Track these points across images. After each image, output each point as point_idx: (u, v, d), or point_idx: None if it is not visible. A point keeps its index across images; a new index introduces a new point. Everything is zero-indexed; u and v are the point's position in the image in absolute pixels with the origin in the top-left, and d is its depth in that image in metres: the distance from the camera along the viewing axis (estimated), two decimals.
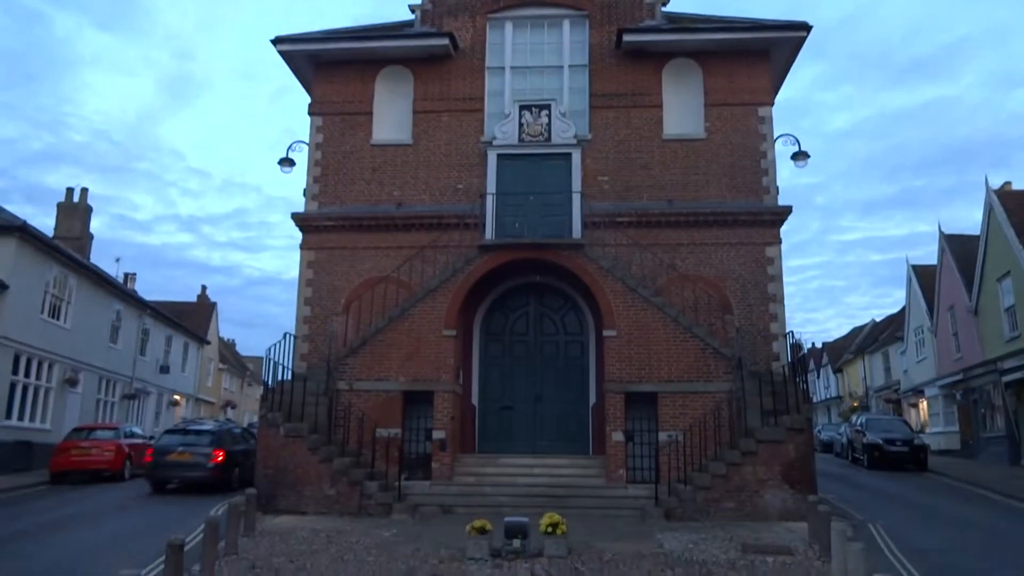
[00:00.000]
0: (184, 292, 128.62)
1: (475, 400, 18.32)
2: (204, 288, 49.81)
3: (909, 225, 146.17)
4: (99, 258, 61.86)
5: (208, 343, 44.84)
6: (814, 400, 51.29)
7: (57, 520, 14.35)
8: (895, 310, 43.85)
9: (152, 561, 9.95)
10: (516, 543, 11.00)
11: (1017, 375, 24.51)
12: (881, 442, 25.13)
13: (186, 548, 8.88)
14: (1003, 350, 25.54)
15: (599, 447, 17.15)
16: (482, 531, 10.97)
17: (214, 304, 47.92)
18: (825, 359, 57.91)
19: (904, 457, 24.84)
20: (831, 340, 60.18)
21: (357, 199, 19.56)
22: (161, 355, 36.11)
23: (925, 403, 37.15)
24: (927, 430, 35.17)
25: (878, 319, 50.24)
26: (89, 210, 31.07)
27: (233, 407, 53.14)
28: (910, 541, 12.30)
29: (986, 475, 21.95)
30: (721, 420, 15.93)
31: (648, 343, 16.64)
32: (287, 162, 19.43)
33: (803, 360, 18.02)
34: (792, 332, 17.59)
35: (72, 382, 25.86)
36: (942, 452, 31.91)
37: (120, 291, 31.51)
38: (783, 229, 18.71)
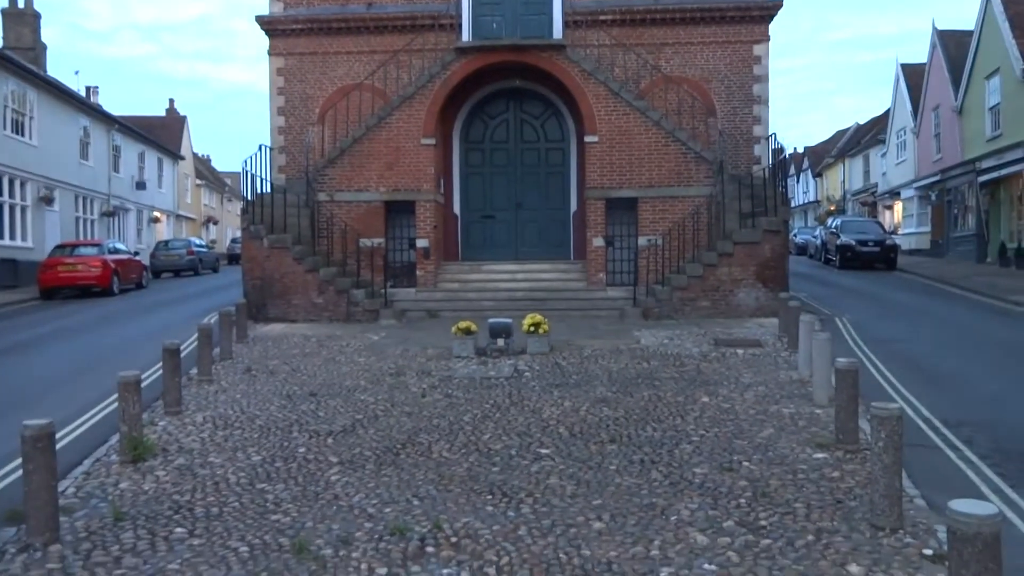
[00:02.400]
0: (151, 106, 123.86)
1: (457, 209, 18.37)
2: (172, 102, 47.80)
3: (902, 22, 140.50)
4: (56, 71, 58.81)
5: (182, 158, 43.86)
6: (792, 204, 51.88)
7: (54, 331, 14.76)
8: (880, 112, 43.26)
9: (151, 366, 10.35)
10: (500, 342, 11.51)
11: (993, 175, 24.72)
12: (853, 243, 25.77)
13: (182, 354, 9.23)
14: (982, 150, 25.56)
15: (580, 252, 17.51)
16: (467, 332, 11.43)
17: (184, 118, 46.28)
18: (806, 163, 57.90)
19: (875, 257, 25.60)
20: (813, 144, 59.84)
21: None
22: (135, 171, 35.40)
23: (900, 205, 37.75)
24: (899, 231, 36.02)
25: (862, 122, 49.65)
26: (37, 16, 28.99)
27: (215, 223, 53.05)
28: (873, 332, 13.00)
29: (952, 272, 22.80)
30: (700, 223, 16.17)
31: (630, 148, 16.47)
32: None
33: (784, 163, 17.98)
34: (775, 134, 17.43)
35: (48, 200, 25.49)
36: (912, 252, 32.90)
37: (85, 105, 30.23)
38: (772, 27, 17.95)
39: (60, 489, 5.58)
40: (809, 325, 9.25)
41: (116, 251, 22.99)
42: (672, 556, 4.60)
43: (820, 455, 6.45)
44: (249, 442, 7.20)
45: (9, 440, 7.13)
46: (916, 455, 6.46)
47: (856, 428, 6.61)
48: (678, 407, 8.17)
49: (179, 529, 5.19)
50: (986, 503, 3.20)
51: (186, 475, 6.31)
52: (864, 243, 25.75)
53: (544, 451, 6.71)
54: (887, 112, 38.87)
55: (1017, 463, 6.28)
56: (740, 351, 11.52)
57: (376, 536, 4.98)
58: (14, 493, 5.84)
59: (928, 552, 4.55)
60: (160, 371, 9.16)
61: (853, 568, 4.38)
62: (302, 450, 6.90)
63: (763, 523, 5.06)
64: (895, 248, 26.36)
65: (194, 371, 10.25)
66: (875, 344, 11.89)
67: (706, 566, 4.46)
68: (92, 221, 30.00)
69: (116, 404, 8.03)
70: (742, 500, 5.47)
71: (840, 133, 54.28)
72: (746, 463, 6.29)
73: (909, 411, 7.95)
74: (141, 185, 35.52)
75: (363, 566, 4.55)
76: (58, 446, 5.83)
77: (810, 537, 4.81)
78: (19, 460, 6.26)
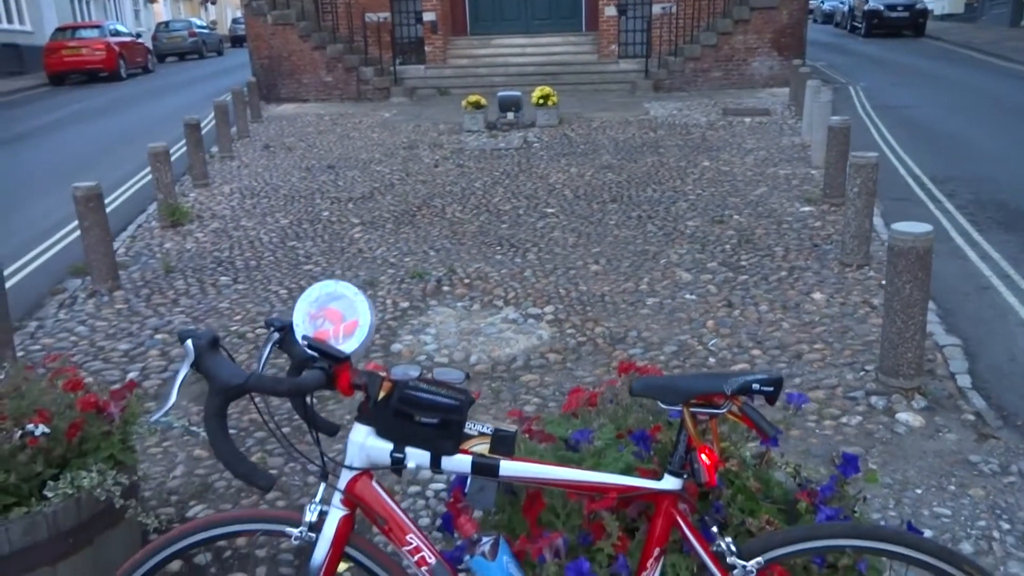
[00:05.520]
0: None
1: None
2: None
3: None
4: None
5: None
6: None
7: (72, 115, 15.01)
8: None
9: (175, 144, 10.69)
10: (510, 115, 11.68)
11: None
12: (882, 7, 24.52)
13: (202, 131, 9.55)
14: None
15: (592, 23, 16.96)
16: (477, 106, 11.57)
17: None
18: None
19: (903, 23, 24.47)
20: None
21: None
22: None
23: None
24: None
25: None
26: None
27: (213, 2, 50.67)
28: (885, 99, 12.96)
29: (981, 38, 21.92)
30: None
31: None
32: None
33: None
34: None
35: None
36: (944, 17, 31.25)
37: None
38: None
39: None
40: (814, 89, 9.30)
41: (118, 33, 22.47)
42: (658, 290, 5.22)
43: (806, 208, 6.91)
44: (276, 208, 7.75)
45: (55, 210, 7.76)
46: (897, 207, 6.90)
47: (843, 183, 6.96)
48: (679, 171, 8.55)
49: (224, 278, 5.87)
50: (923, 224, 3.66)
51: (222, 236, 6.93)
52: (893, 8, 24.49)
53: (549, 210, 7.22)
54: None
55: (990, 211, 6.73)
56: (747, 119, 11.65)
57: (398, 279, 5.63)
58: (71, 253, 6.51)
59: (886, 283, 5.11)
60: (183, 148, 9.56)
61: (816, 295, 4.98)
62: (326, 214, 7.46)
63: (743, 264, 5.63)
64: (925, 13, 25.10)
65: (214, 148, 10.64)
66: (884, 110, 11.93)
67: (687, 296, 5.08)
68: (88, 2, 28.93)
69: (147, 178, 8.57)
70: (727, 246, 6.02)
71: None
72: (736, 216, 6.77)
73: (901, 170, 8.29)
74: None
75: (388, 302, 5.22)
76: None
77: (783, 273, 5.39)
78: (70, 225, 6.91)
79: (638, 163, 9.00)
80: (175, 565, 2.74)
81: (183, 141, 9.55)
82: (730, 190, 7.65)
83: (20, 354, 4.30)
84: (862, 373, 3.95)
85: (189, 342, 1.45)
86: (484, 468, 1.58)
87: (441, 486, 3.14)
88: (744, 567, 1.53)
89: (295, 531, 1.61)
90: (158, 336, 4.85)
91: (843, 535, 1.57)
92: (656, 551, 1.58)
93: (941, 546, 1.57)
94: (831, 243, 5.96)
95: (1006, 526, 2.84)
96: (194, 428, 3.35)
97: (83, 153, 11.21)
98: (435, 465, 1.59)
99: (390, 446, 1.58)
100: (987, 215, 6.62)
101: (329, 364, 1.55)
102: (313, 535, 1.60)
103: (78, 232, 5.93)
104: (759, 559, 1.54)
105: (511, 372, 4.18)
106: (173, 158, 9.82)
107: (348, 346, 1.60)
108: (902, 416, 3.54)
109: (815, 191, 7.35)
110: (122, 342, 4.79)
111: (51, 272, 6.24)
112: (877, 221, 6.16)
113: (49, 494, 2.25)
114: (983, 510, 2.93)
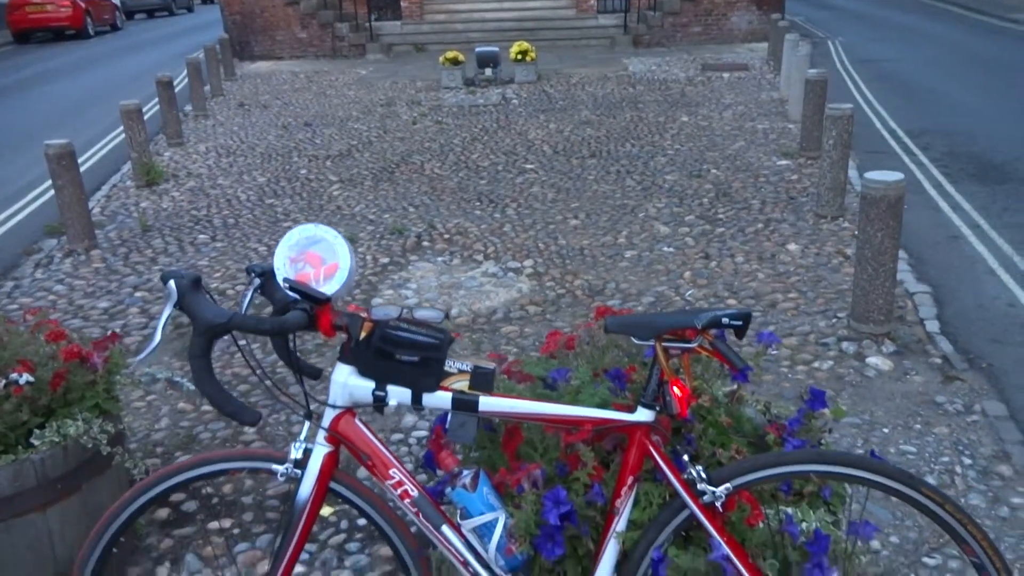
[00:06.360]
0: None
1: None
2: None
3: None
4: None
5: None
6: None
7: (39, 74, 14.64)
8: None
9: (147, 102, 10.50)
10: (488, 72, 11.57)
11: None
12: None
13: (175, 89, 9.38)
14: None
15: None
16: (455, 62, 11.43)
17: None
18: None
19: None
20: None
21: None
22: None
23: None
24: None
25: None
26: None
27: None
28: (863, 53, 12.97)
29: None
30: None
31: None
32: None
33: None
34: None
35: None
36: None
37: None
38: None
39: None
40: (792, 43, 9.28)
41: None
42: (636, 243, 5.27)
43: (783, 162, 6.96)
44: (253, 167, 7.68)
45: (27, 171, 7.65)
46: (873, 159, 6.97)
47: (820, 137, 7.01)
48: (658, 126, 8.54)
49: (202, 236, 5.84)
50: (895, 172, 3.71)
51: (199, 195, 6.87)
52: None
53: (528, 166, 7.22)
54: None
55: (963, 163, 6.82)
56: (726, 75, 11.62)
57: (378, 236, 5.63)
58: (45, 213, 6.44)
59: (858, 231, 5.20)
60: (156, 107, 9.40)
61: (791, 246, 5.06)
62: (303, 171, 7.40)
63: (720, 216, 5.69)
64: None
65: (188, 107, 10.46)
66: (862, 64, 11.95)
67: (665, 248, 5.14)
68: None
69: (120, 138, 8.44)
70: (705, 200, 6.07)
71: None
72: (714, 171, 6.81)
73: (877, 123, 8.36)
74: None
75: (368, 258, 5.24)
76: None
77: (759, 225, 5.46)
78: (44, 185, 6.83)
79: (617, 119, 8.98)
80: (163, 512, 2.80)
81: (155, 100, 9.38)
82: (708, 145, 7.68)
83: None
84: (834, 320, 4.04)
85: (172, 282, 1.48)
86: (464, 404, 1.63)
87: (423, 432, 3.21)
88: (714, 492, 1.60)
89: (281, 468, 1.66)
90: (137, 294, 4.84)
91: (809, 461, 1.64)
92: (630, 480, 1.64)
93: (900, 470, 1.64)
94: (807, 195, 6.02)
95: (968, 461, 2.96)
96: (177, 379, 3.39)
97: (53, 113, 10.98)
98: (416, 402, 1.63)
99: (372, 384, 1.63)
100: (960, 167, 6.72)
101: (311, 306, 1.58)
102: (299, 472, 1.65)
103: (52, 192, 5.86)
104: (728, 485, 1.61)
105: (491, 324, 4.23)
106: (146, 117, 9.67)
107: (329, 288, 1.63)
108: (872, 360, 3.64)
109: (792, 145, 7.40)
110: (101, 300, 4.78)
111: (26, 232, 6.17)
112: (852, 173, 6.22)
113: (36, 442, 2.28)
114: (947, 447, 3.05)
